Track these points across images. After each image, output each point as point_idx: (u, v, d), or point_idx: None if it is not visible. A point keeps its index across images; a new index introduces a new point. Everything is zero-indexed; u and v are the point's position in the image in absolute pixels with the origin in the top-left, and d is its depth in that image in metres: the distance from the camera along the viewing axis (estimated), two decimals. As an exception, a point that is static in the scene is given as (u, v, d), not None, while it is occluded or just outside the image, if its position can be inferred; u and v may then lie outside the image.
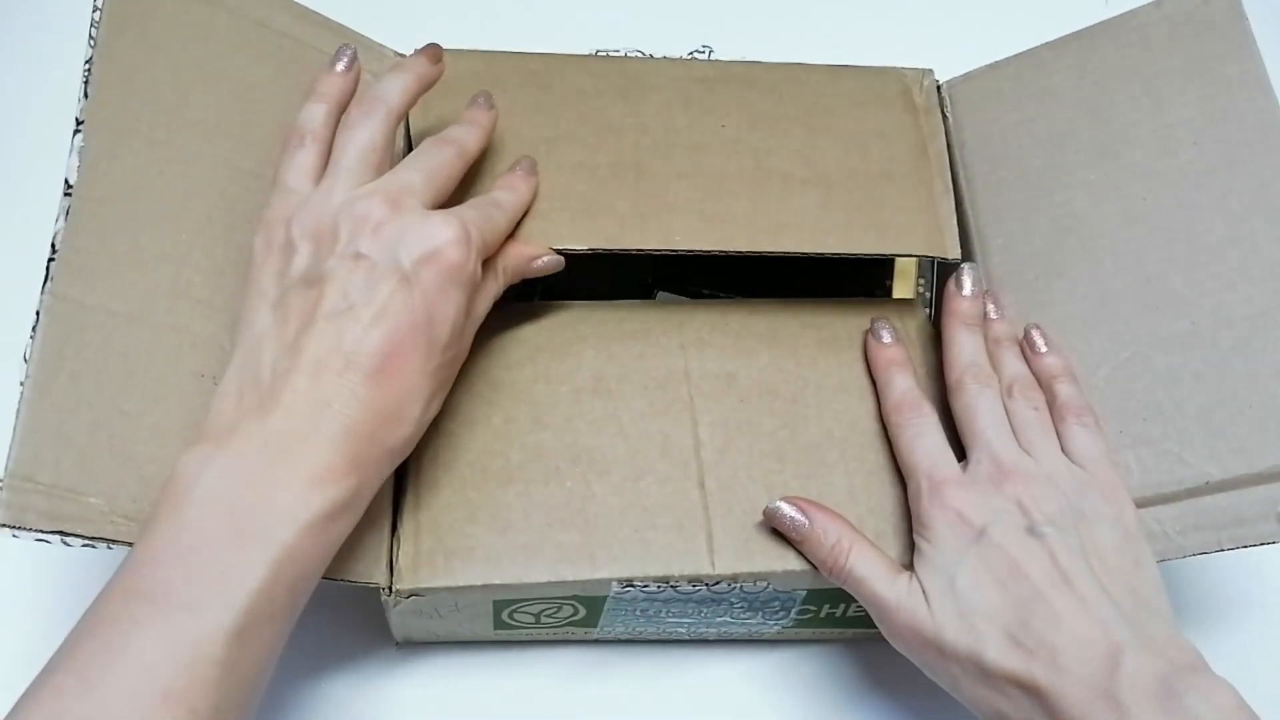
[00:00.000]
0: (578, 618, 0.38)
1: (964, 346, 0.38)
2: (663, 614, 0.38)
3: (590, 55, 0.44)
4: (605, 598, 0.36)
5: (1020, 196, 0.41)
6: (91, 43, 0.33)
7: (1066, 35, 0.42)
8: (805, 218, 0.40)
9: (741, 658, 0.42)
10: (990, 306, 0.40)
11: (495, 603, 0.36)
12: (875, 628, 0.40)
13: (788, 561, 0.35)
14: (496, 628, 0.38)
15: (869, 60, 0.44)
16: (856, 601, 0.38)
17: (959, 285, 0.40)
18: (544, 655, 0.41)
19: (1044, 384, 0.37)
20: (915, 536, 0.34)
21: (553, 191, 0.39)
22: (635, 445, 0.37)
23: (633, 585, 0.35)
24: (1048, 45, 0.42)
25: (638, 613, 0.38)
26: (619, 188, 0.40)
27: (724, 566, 0.35)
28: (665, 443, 0.37)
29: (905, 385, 0.37)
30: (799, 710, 0.41)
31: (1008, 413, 0.36)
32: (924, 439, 0.36)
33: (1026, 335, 0.39)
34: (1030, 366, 0.38)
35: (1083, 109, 0.40)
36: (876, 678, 0.42)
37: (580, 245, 0.38)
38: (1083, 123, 0.40)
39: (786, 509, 0.35)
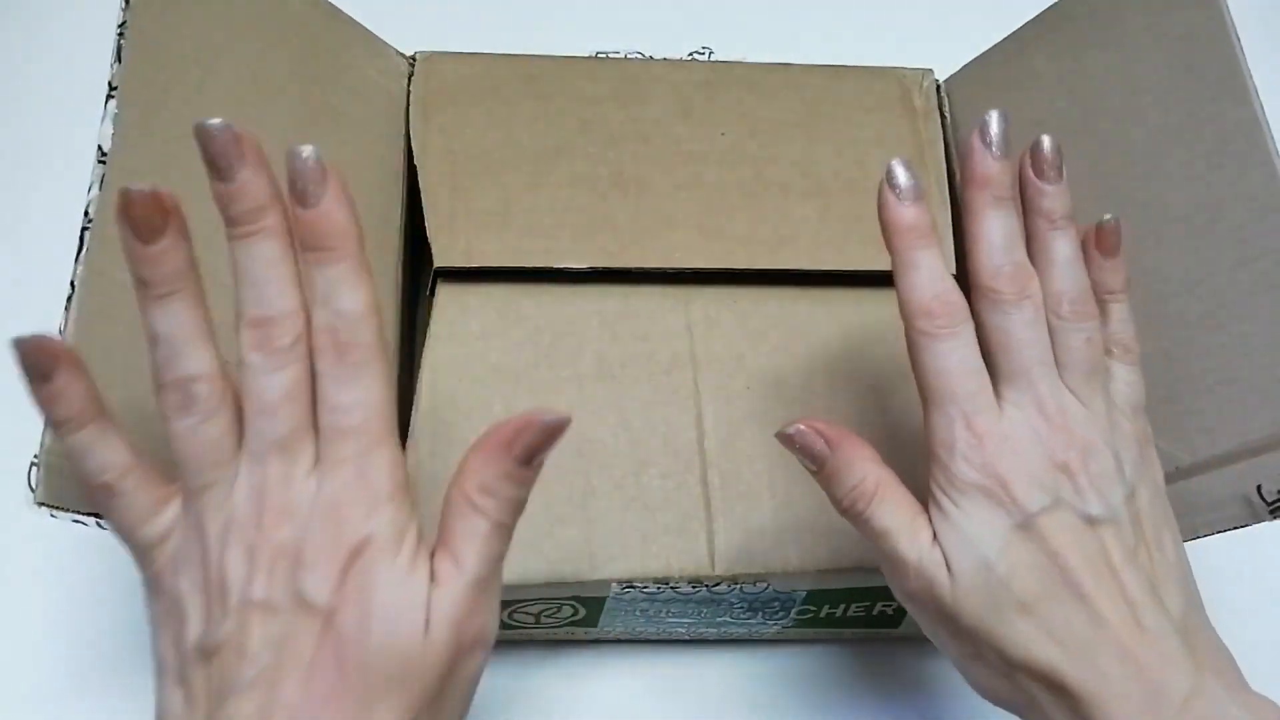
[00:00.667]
0: (578, 618, 0.38)
1: (994, 232, 0.28)
2: (663, 614, 0.38)
3: (590, 57, 0.44)
4: (605, 598, 0.36)
5: None
6: (125, 5, 0.32)
7: (1046, 9, 0.40)
8: (803, 231, 0.40)
9: (741, 658, 0.42)
10: (1049, 168, 0.29)
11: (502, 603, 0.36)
12: (875, 628, 0.40)
13: (788, 562, 0.35)
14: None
15: (871, 59, 0.44)
16: (857, 602, 0.38)
17: (984, 136, 0.29)
18: (544, 655, 0.41)
19: (1096, 297, 0.30)
20: (935, 486, 0.28)
21: (554, 205, 0.39)
22: (638, 436, 0.37)
23: (633, 586, 0.35)
24: (1030, 23, 0.41)
25: (638, 613, 0.38)
26: (619, 201, 0.40)
27: (724, 567, 0.35)
28: (669, 433, 0.37)
29: (933, 273, 0.28)
30: (799, 710, 0.41)
31: (1052, 334, 0.28)
32: (957, 357, 0.28)
33: (1099, 227, 0.31)
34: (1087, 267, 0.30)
35: (1061, 86, 0.39)
36: (877, 678, 0.42)
37: (580, 263, 0.39)
38: (1061, 101, 0.39)
39: (806, 434, 0.29)
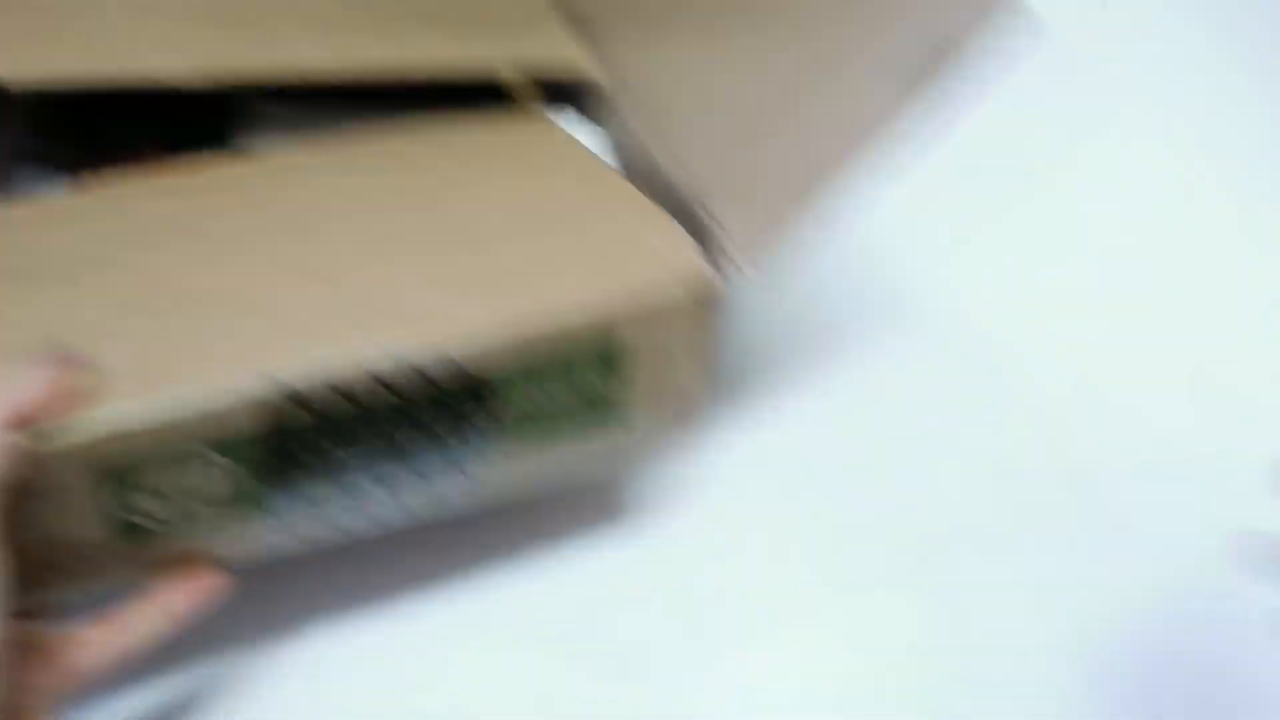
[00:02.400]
0: (231, 491, 0.30)
1: None
2: (342, 474, 0.31)
3: None
4: (254, 441, 0.29)
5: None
6: None
7: None
8: (410, 46, 0.38)
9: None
10: None
11: (99, 472, 0.27)
12: (596, 423, 0.34)
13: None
14: (119, 537, 0.29)
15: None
16: (555, 382, 0.32)
17: None
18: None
19: None
20: None
21: None
22: (255, 282, 0.31)
23: (288, 403, 0.28)
24: None
25: (307, 468, 0.30)
26: None
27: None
28: (293, 274, 0.32)
29: None
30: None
31: None
32: None
33: None
34: None
35: None
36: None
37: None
38: None
39: None
